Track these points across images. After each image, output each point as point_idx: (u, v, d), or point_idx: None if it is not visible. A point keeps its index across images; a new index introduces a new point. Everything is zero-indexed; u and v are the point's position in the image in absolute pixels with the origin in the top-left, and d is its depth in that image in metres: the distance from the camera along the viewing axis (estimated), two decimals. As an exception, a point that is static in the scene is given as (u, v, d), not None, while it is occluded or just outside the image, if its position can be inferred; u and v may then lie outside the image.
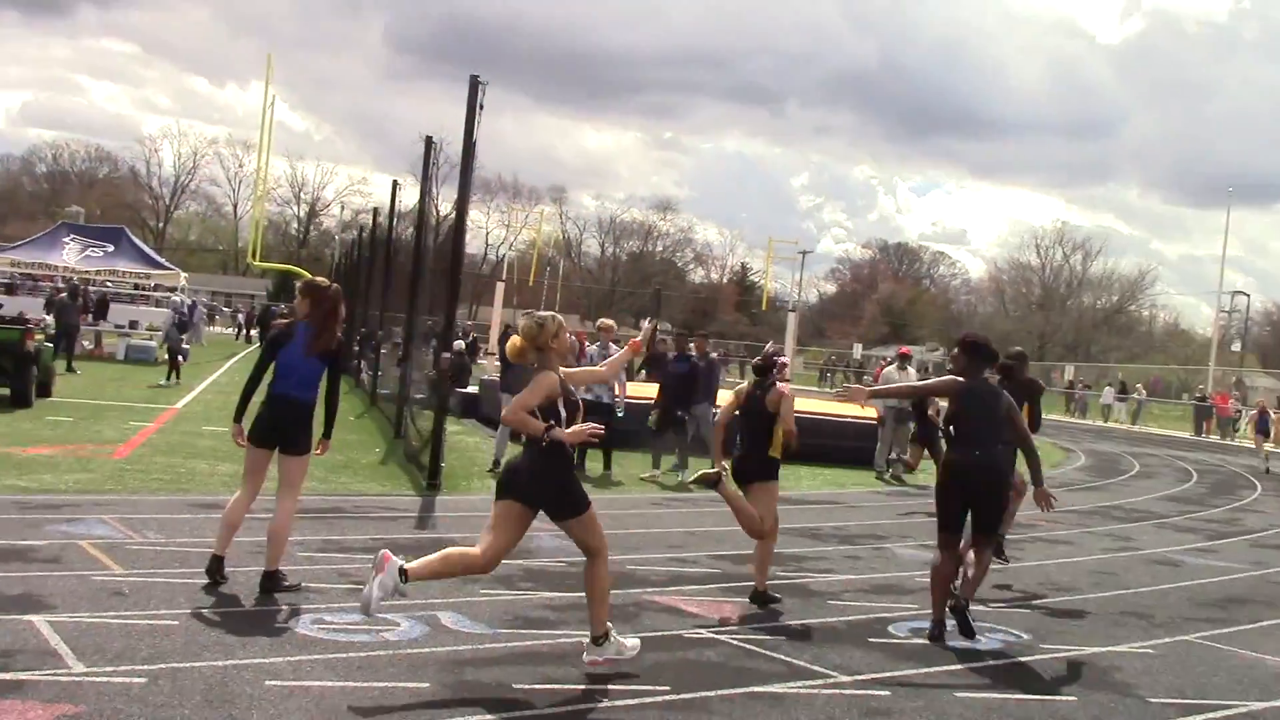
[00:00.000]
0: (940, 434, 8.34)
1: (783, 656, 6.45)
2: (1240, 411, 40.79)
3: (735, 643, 6.67)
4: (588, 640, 5.87)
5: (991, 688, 6.18)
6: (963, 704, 5.82)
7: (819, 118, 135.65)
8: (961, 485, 7.23)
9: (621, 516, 11.15)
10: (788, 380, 8.04)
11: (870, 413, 17.95)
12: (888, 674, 6.27)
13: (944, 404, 8.05)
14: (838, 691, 5.86)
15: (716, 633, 6.86)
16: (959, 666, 6.56)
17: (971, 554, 7.38)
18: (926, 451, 13.85)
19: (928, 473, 14.93)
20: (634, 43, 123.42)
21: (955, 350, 7.72)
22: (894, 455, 16.90)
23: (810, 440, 17.88)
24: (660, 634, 6.70)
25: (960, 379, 7.45)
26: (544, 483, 5.76)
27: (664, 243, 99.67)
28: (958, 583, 7.30)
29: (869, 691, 5.91)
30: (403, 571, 5.55)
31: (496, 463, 13.24)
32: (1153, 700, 6.22)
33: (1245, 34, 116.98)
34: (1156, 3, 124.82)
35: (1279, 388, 51.50)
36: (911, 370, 17.50)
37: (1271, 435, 29.27)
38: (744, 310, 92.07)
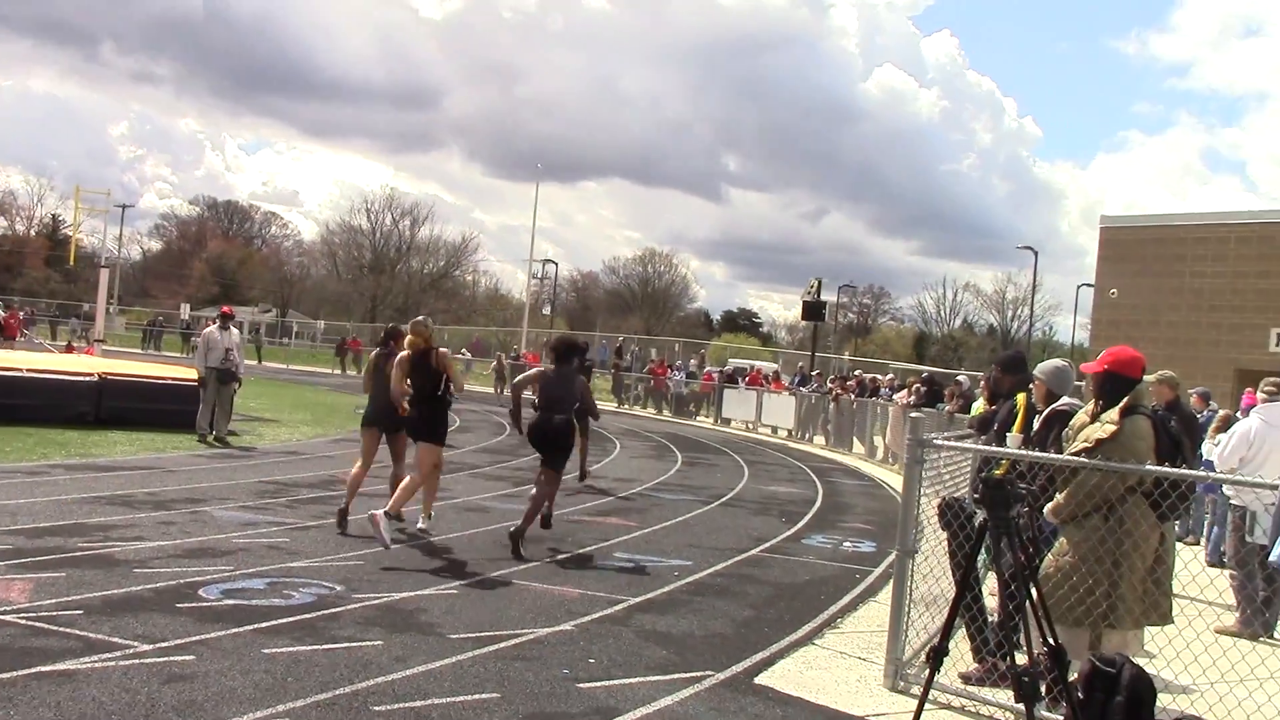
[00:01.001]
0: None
1: (78, 631, 6.02)
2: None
3: (23, 622, 6.11)
4: (383, 510, 9.01)
5: (300, 640, 6.22)
6: (269, 659, 5.80)
7: (139, 64, 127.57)
8: (541, 436, 10.13)
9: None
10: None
11: (191, 374, 17.37)
12: (194, 638, 6.08)
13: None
14: (137, 661, 5.58)
15: (1, 614, 6.23)
16: (269, 624, 6.53)
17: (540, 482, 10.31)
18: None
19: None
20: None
21: (549, 349, 11.69)
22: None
23: (129, 404, 17.06)
24: (-70, 621, 5.97)
25: (548, 370, 10.63)
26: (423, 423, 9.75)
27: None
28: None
29: (172, 658, 5.69)
30: (388, 515, 9.03)
31: None
32: (453, 636, 6.63)
33: (550, 24, 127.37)
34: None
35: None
36: (234, 330, 17.02)
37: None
38: (56, 266, 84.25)
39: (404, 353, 9.80)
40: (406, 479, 9.73)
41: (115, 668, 5.46)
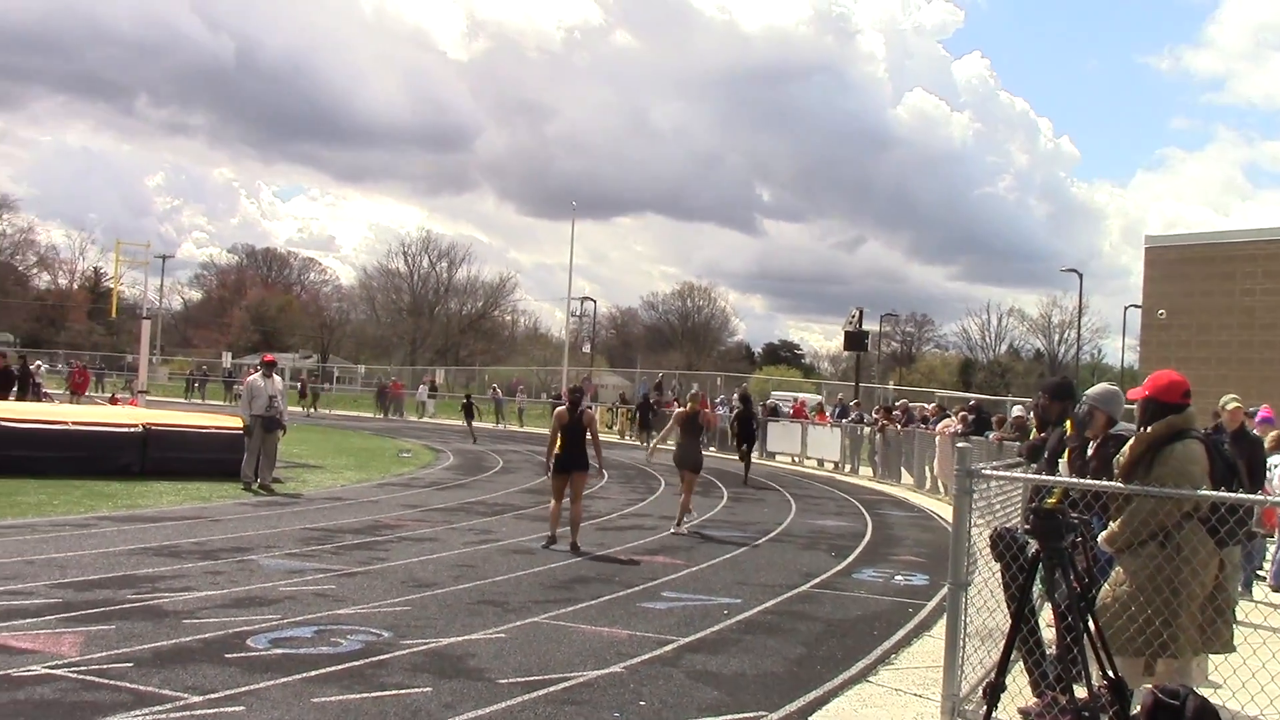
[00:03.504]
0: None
1: (129, 684, 6.02)
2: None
3: (75, 676, 6.13)
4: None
5: (349, 689, 6.19)
6: (318, 709, 5.77)
7: (172, 115, 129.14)
8: (746, 436, 23.45)
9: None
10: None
11: (235, 423, 17.51)
12: (243, 689, 6.07)
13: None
14: (187, 713, 5.57)
15: (53, 668, 6.25)
16: (318, 672, 6.50)
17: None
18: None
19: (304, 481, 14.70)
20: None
21: (736, 399, 23.91)
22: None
23: (173, 454, 17.19)
24: (-18, 677, 5.99)
25: (738, 410, 23.37)
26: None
27: (1, 244, 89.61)
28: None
29: (222, 709, 5.68)
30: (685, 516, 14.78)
31: None
32: (502, 681, 6.57)
33: (577, 62, 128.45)
34: (497, 25, 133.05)
35: (625, 385, 56.83)
36: (277, 378, 17.14)
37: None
38: (98, 318, 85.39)
39: (681, 411, 15.93)
40: (683, 496, 14.76)
41: (165, 721, 5.45)
